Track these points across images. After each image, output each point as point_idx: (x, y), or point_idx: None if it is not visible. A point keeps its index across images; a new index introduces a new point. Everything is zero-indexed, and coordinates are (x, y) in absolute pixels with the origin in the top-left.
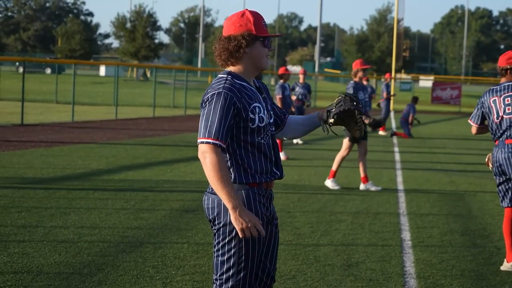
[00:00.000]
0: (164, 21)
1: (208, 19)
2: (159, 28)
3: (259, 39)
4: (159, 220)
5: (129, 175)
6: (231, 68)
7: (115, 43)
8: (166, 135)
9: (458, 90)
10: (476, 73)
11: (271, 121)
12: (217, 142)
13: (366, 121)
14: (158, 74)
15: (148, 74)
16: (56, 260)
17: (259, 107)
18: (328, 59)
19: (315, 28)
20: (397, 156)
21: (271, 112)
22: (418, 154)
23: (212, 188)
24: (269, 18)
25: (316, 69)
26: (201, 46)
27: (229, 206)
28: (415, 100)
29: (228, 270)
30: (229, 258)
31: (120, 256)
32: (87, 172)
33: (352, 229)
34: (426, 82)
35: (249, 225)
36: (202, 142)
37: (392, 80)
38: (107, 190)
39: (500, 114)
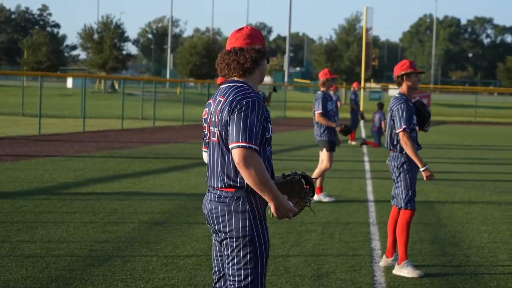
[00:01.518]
0: (132, 32)
1: (177, 30)
2: (127, 39)
3: (266, 54)
4: (127, 233)
5: (97, 188)
6: (243, 79)
7: (82, 54)
8: (134, 147)
9: (427, 98)
10: (445, 81)
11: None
12: (256, 147)
13: (338, 129)
14: (126, 86)
15: (116, 86)
16: (23, 275)
17: (270, 119)
18: (298, 69)
19: (284, 38)
20: (367, 166)
21: None
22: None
23: (218, 198)
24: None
25: (286, 79)
26: (169, 57)
27: (275, 203)
28: (381, 106)
29: (246, 276)
30: (245, 264)
31: (88, 270)
32: (54, 185)
33: (322, 239)
34: (395, 91)
35: (289, 213)
36: (244, 147)
37: (361, 90)
38: (74, 203)
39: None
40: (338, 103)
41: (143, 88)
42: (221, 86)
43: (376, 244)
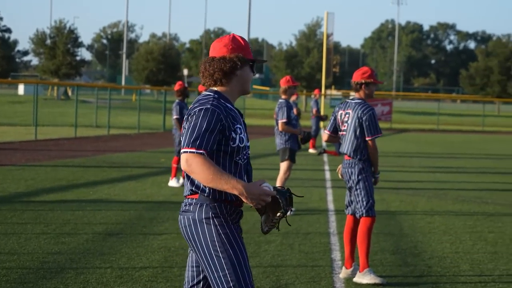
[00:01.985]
0: (86, 37)
1: (132, 35)
2: (80, 45)
3: (249, 63)
4: (81, 245)
5: (50, 198)
6: (218, 88)
7: (34, 60)
8: (88, 156)
9: (389, 106)
10: (407, 88)
11: (248, 144)
12: (201, 151)
13: (300, 137)
14: (80, 93)
15: (70, 93)
16: None
17: (240, 128)
18: (257, 75)
19: None
20: (327, 175)
21: (247, 136)
22: None
23: (185, 207)
24: (195, 33)
25: None
26: (125, 63)
27: (239, 192)
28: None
29: (228, 282)
30: (222, 269)
31: (40, 283)
32: (5, 195)
33: (281, 250)
34: None
35: (260, 197)
36: (186, 152)
37: (322, 97)
38: (26, 214)
39: (341, 129)
40: (295, 110)
41: (98, 95)
42: None
43: (336, 254)
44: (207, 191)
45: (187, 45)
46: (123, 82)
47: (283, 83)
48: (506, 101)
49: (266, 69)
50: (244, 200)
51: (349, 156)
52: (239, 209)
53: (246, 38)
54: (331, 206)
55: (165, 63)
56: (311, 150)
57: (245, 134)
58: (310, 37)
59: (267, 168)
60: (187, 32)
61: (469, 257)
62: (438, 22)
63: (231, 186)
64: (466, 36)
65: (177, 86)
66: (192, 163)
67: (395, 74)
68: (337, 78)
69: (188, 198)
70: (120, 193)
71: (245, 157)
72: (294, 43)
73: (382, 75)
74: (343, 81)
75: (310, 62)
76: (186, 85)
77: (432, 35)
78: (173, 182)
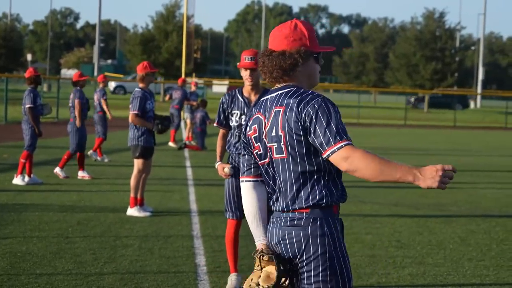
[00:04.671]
0: None
1: None
2: None
3: (313, 55)
4: None
5: None
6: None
7: None
8: None
9: None
10: None
11: None
12: (350, 142)
13: (155, 130)
14: None
15: None
16: None
17: None
18: (109, 61)
19: (93, 26)
20: (189, 172)
21: None
22: (212, 169)
23: (291, 220)
24: (39, 14)
25: (95, 73)
26: None
27: (410, 179)
28: (204, 104)
29: None
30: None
31: None
32: None
33: (140, 254)
34: (220, 87)
35: (439, 177)
36: (342, 147)
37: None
38: None
39: None
40: (194, 103)
41: None
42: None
43: (200, 259)
44: (324, 196)
45: (31, 27)
46: None
47: (140, 69)
48: (383, 90)
49: (119, 55)
50: (423, 185)
51: None
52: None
53: (97, 20)
54: (194, 206)
55: (6, 47)
56: (171, 144)
57: None
58: (169, 19)
59: (121, 165)
60: (31, 12)
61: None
62: (309, 3)
63: (404, 173)
64: (339, 19)
65: (27, 73)
66: (354, 156)
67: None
68: (198, 64)
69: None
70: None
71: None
72: (150, 25)
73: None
74: (205, 68)
75: (168, 47)
76: (38, 72)
77: (302, 18)
78: (18, 180)
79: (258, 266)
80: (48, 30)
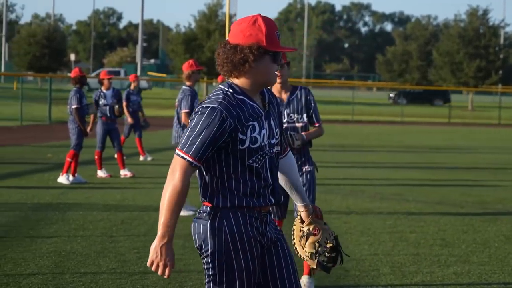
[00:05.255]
0: None
1: (12, 16)
2: None
3: (269, 54)
4: None
5: None
6: (233, 80)
7: None
8: None
9: None
10: (319, 75)
11: (274, 141)
12: (193, 161)
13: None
14: None
15: None
16: None
17: (254, 126)
18: (152, 60)
19: (136, 26)
20: None
21: (277, 131)
22: None
23: (200, 213)
24: (83, 14)
25: (139, 73)
26: (4, 47)
27: (158, 232)
28: None
29: None
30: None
31: None
32: None
33: (184, 253)
34: None
35: (161, 262)
36: (178, 155)
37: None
38: None
39: None
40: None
41: None
42: None
43: None
44: (216, 198)
45: (74, 27)
46: (2, 69)
47: (186, 67)
48: (425, 88)
49: (162, 54)
50: (152, 244)
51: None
52: (263, 214)
53: (140, 20)
54: None
55: (49, 47)
56: None
57: (264, 132)
58: (211, 18)
59: (164, 164)
60: (74, 12)
61: (390, 259)
62: (352, 2)
63: (163, 224)
64: (382, 17)
65: (73, 74)
66: (176, 173)
67: (304, 60)
68: None
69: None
70: (2, 193)
71: (263, 158)
72: (193, 25)
73: (291, 60)
74: None
75: (211, 46)
76: (83, 72)
77: (345, 16)
78: (63, 179)
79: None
80: (91, 30)
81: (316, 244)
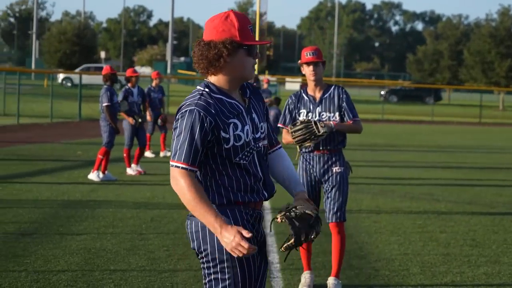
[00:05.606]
0: None
1: (43, 13)
2: None
3: (243, 47)
4: None
5: None
6: (210, 78)
7: None
8: None
9: None
10: (349, 74)
11: (259, 135)
12: (187, 167)
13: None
14: None
15: None
16: None
17: (236, 124)
18: (182, 58)
19: (166, 24)
20: None
21: (262, 125)
22: None
23: None
24: (113, 12)
25: (169, 71)
26: (35, 44)
27: (212, 229)
28: (278, 101)
29: None
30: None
31: None
32: None
33: None
34: (293, 84)
35: (236, 243)
36: (172, 166)
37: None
38: None
39: None
40: (268, 100)
41: (5, 80)
42: None
43: (274, 256)
44: (211, 197)
45: (104, 25)
46: (33, 66)
47: None
48: (457, 88)
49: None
50: (221, 241)
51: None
52: (257, 211)
53: (170, 18)
54: (267, 203)
55: (80, 44)
56: None
57: (248, 128)
58: None
59: None
60: (104, 10)
61: (420, 259)
62: (382, 0)
63: (207, 222)
64: (413, 16)
65: (104, 71)
66: (179, 182)
67: (335, 58)
68: (271, 62)
69: None
70: (32, 189)
71: (251, 153)
72: None
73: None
74: (277, 65)
75: None
76: (114, 69)
77: (375, 15)
78: (93, 176)
79: None
80: (122, 27)
81: (290, 206)
